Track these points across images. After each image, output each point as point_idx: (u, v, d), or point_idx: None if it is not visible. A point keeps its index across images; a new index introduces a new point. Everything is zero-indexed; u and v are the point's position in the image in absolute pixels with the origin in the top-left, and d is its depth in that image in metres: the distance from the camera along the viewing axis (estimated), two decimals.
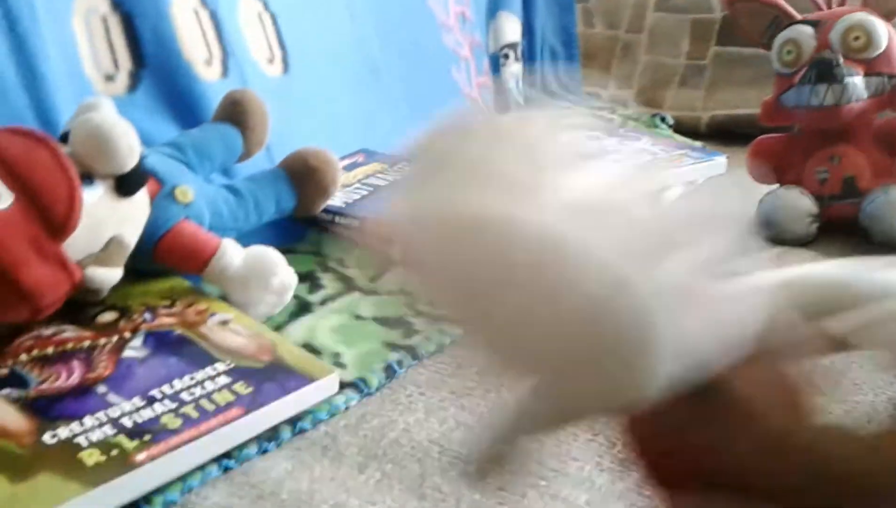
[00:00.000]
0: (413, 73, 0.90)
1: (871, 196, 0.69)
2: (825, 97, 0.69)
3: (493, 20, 1.05)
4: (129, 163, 0.44)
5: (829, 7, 0.74)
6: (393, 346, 0.49)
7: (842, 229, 0.71)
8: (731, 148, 0.95)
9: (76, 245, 0.42)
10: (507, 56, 1.04)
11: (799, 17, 0.74)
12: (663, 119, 0.96)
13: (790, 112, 0.73)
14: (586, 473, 0.39)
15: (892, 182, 0.70)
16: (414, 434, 0.42)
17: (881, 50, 0.70)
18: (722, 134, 0.98)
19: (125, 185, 0.44)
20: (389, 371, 0.47)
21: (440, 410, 0.44)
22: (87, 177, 0.43)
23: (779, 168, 0.74)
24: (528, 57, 1.09)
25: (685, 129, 0.97)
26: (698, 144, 0.89)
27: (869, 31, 0.70)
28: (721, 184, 0.81)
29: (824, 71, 0.68)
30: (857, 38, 0.70)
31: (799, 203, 0.71)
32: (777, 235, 0.70)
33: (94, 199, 0.43)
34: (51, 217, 0.40)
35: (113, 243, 0.44)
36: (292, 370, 0.43)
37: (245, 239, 0.54)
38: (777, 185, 0.73)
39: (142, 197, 0.47)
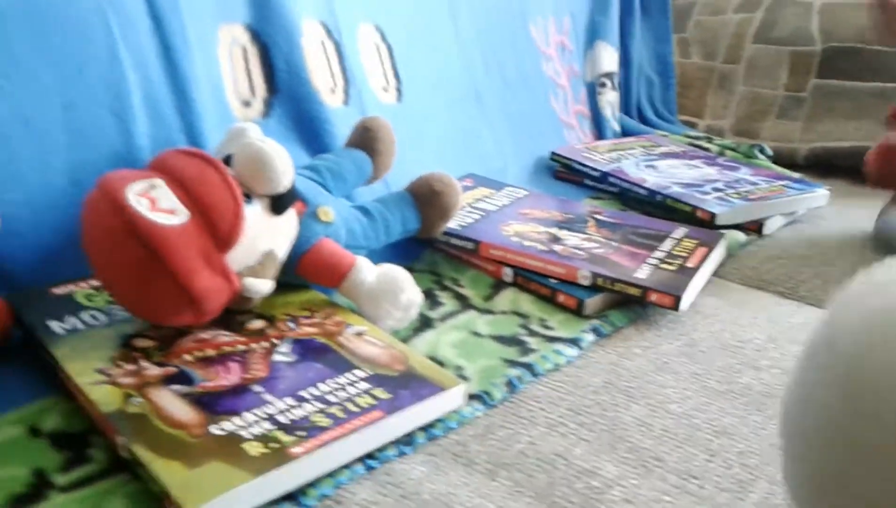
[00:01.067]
0: (514, 99, 0.94)
1: None
2: None
3: (590, 50, 1.08)
4: (284, 184, 0.48)
5: None
6: (511, 362, 0.52)
7: None
8: (828, 180, 0.95)
9: (236, 258, 0.46)
10: (603, 85, 1.07)
11: None
12: (762, 150, 0.97)
13: None
14: None
15: None
16: (539, 447, 0.45)
17: None
18: (820, 166, 0.98)
19: (279, 204, 0.49)
20: (510, 386, 0.50)
21: (560, 425, 0.47)
22: (247, 196, 0.47)
23: None
24: (625, 86, 1.12)
25: (782, 160, 0.98)
26: (797, 175, 0.90)
27: None
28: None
29: None
30: None
31: None
32: (893, 249, 0.70)
33: (253, 216, 0.47)
34: (218, 232, 0.44)
35: (267, 256, 0.48)
36: (425, 380, 0.46)
37: (370, 257, 0.58)
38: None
39: (291, 215, 0.51)
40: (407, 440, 0.44)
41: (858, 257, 0.74)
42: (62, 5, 0.55)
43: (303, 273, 0.53)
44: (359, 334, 0.50)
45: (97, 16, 0.56)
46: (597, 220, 0.72)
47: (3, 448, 0.41)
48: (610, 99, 1.07)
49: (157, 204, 0.44)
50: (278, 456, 0.39)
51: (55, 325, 0.49)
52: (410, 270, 0.64)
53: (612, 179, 0.87)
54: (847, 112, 0.99)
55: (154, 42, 0.60)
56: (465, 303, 0.60)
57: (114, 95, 0.57)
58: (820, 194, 0.83)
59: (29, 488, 0.39)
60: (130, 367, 0.45)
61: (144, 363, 0.45)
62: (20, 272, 0.53)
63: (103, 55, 0.57)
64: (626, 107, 1.12)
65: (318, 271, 0.53)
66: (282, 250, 0.50)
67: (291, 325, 0.51)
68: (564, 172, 0.92)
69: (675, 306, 0.58)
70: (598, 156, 0.93)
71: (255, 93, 0.69)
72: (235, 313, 0.51)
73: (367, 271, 0.53)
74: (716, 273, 0.69)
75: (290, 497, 0.39)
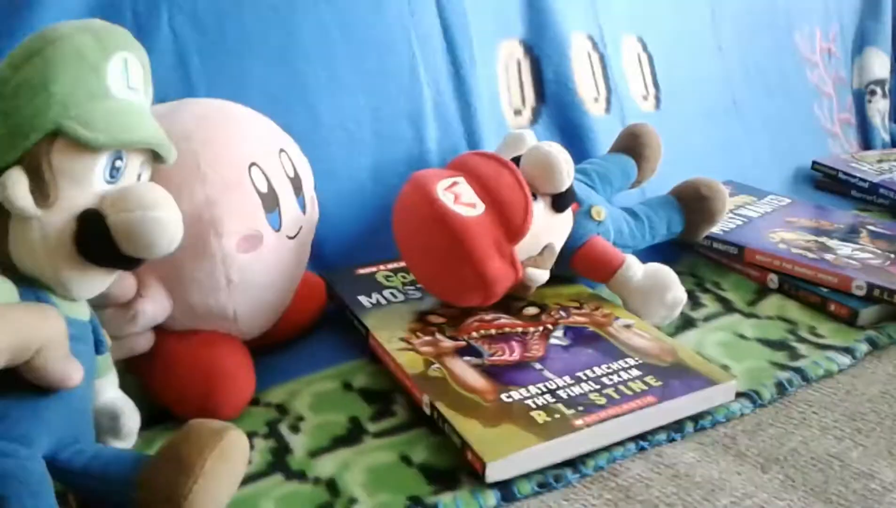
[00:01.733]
0: (774, 107, 0.92)
1: None
2: None
3: (859, 56, 1.02)
4: (566, 184, 0.52)
5: None
6: (780, 366, 0.52)
7: None
8: None
9: (522, 249, 0.51)
10: (873, 92, 1.01)
11: None
12: None
13: None
14: None
15: None
16: (812, 447, 0.45)
17: None
18: None
19: (560, 202, 0.53)
20: (780, 388, 0.50)
21: (835, 429, 0.46)
22: (533, 195, 0.52)
23: None
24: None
25: None
26: None
27: None
28: None
29: None
30: None
31: None
32: None
33: (538, 212, 0.52)
34: (511, 225, 0.50)
35: (547, 249, 0.53)
36: (695, 372, 0.48)
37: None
38: None
39: (568, 213, 0.55)
40: (677, 428, 0.46)
41: None
42: (372, 24, 0.64)
43: (576, 267, 0.57)
44: (627, 326, 0.53)
45: (401, 33, 0.65)
46: (870, 231, 0.69)
47: (324, 398, 0.50)
48: (880, 107, 1.00)
49: (459, 198, 0.50)
50: (562, 426, 0.43)
51: (363, 299, 0.57)
52: (679, 273, 0.66)
53: (882, 190, 0.82)
54: None
55: (445, 58, 0.67)
56: (728, 306, 0.61)
57: (412, 105, 0.65)
58: None
59: (347, 432, 0.46)
60: (427, 338, 0.52)
61: (439, 336, 0.52)
62: (331, 254, 0.62)
63: (405, 68, 0.65)
64: None
65: (590, 265, 0.56)
66: (559, 244, 0.54)
67: (563, 314, 0.55)
68: (827, 183, 0.88)
69: None
70: (867, 166, 0.88)
71: (526, 102, 0.75)
72: (513, 300, 0.57)
73: (636, 268, 0.56)
74: None
75: (571, 463, 0.43)
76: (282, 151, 0.49)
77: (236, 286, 0.46)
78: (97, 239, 0.34)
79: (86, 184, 0.34)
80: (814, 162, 0.90)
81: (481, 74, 0.70)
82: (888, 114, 1.02)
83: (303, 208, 0.50)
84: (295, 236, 0.49)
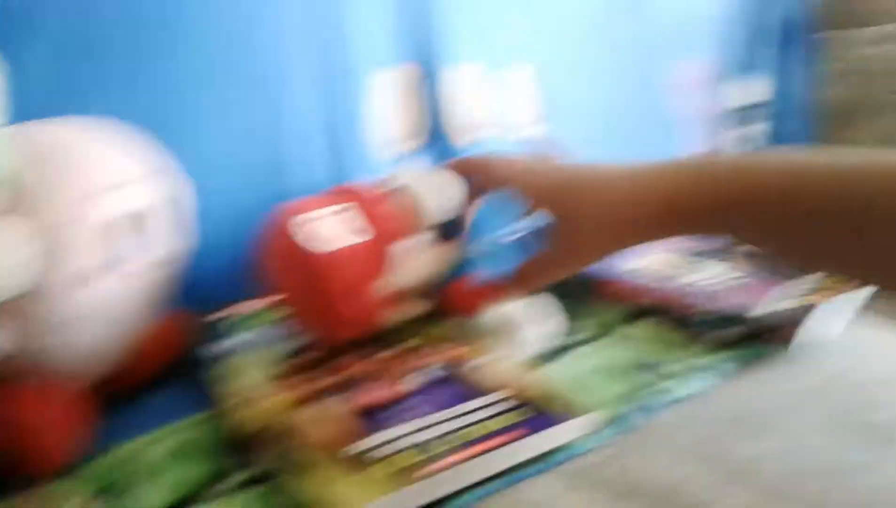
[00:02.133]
0: (650, 137, 0.94)
1: None
2: None
3: (737, 83, 1.06)
4: (449, 216, 0.52)
5: None
6: (645, 390, 0.53)
7: None
8: None
9: (395, 281, 0.51)
10: (751, 118, 1.05)
11: None
12: None
13: None
14: None
15: None
16: (674, 472, 0.45)
17: None
18: None
19: (446, 233, 0.53)
20: (643, 413, 0.50)
21: (695, 452, 0.47)
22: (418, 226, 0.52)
23: None
24: (775, 118, 1.09)
25: None
26: None
27: None
28: None
29: None
30: None
31: None
32: None
33: (418, 245, 0.51)
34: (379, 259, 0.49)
35: (422, 281, 0.53)
36: (554, 406, 0.48)
37: None
38: None
39: (450, 245, 0.55)
40: (537, 463, 0.46)
41: None
42: (240, 54, 0.62)
43: (449, 300, 0.56)
44: (492, 361, 0.53)
45: (273, 64, 0.63)
46: (737, 252, 0.72)
47: (168, 454, 0.47)
48: (748, 132, 1.05)
49: (323, 229, 0.48)
50: (419, 471, 0.42)
51: (222, 343, 0.55)
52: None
53: None
54: None
55: (320, 88, 0.67)
56: (601, 330, 0.61)
57: (284, 136, 0.64)
58: None
59: (192, 489, 0.44)
60: (286, 383, 0.50)
61: (299, 380, 0.50)
62: (200, 293, 0.59)
63: (277, 98, 0.64)
64: (777, 140, 1.09)
65: (464, 299, 0.56)
66: (435, 277, 0.54)
67: (430, 352, 0.54)
68: None
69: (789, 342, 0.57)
70: None
71: (411, 132, 0.74)
72: (380, 337, 0.55)
73: (508, 303, 0.55)
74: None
75: (435, 505, 0.42)
76: (129, 183, 0.47)
77: (65, 327, 0.43)
78: None
79: None
80: None
81: (359, 104, 0.69)
82: (761, 138, 1.06)
83: (150, 243, 0.47)
84: (139, 274, 0.47)
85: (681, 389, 0.53)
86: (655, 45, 0.95)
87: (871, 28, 1.11)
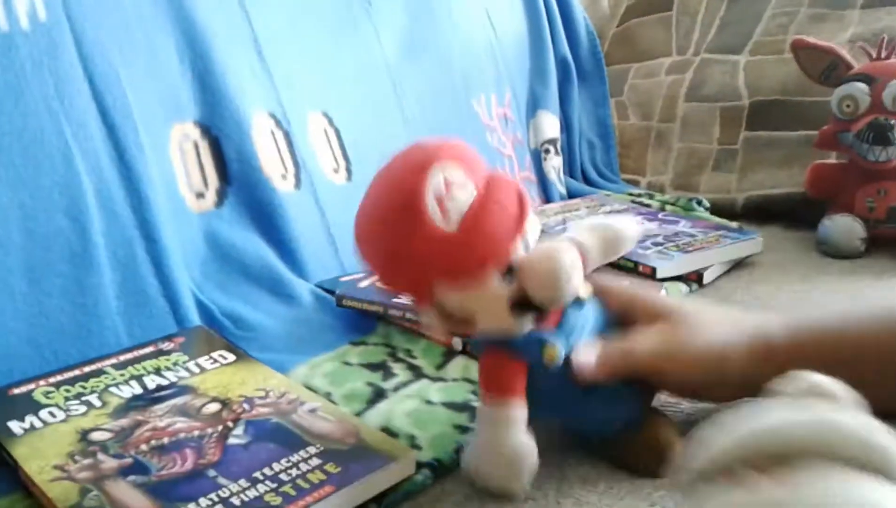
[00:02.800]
0: None
1: None
2: (879, 155, 0.88)
3: (533, 118, 1.13)
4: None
5: (880, 56, 0.91)
6: (463, 428, 0.54)
7: (886, 246, 0.90)
8: (767, 226, 1.00)
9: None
10: (547, 151, 1.12)
11: (854, 63, 0.92)
12: (699, 202, 1.02)
13: (845, 147, 0.91)
14: None
15: None
16: None
17: None
18: (757, 213, 1.03)
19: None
20: (460, 452, 0.52)
21: None
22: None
23: (833, 192, 0.93)
24: (568, 150, 1.17)
25: (722, 210, 1.02)
26: (734, 224, 0.94)
27: None
28: None
29: (880, 134, 0.87)
30: None
31: (851, 227, 0.90)
32: (834, 252, 0.90)
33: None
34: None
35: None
36: (375, 451, 0.48)
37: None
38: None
39: None
40: None
41: (795, 300, 0.77)
42: (11, 111, 0.58)
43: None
44: (312, 410, 0.52)
45: (49, 121, 0.60)
46: None
47: None
48: (554, 164, 1.11)
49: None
50: None
51: (14, 425, 0.50)
52: (364, 343, 0.67)
53: None
54: (777, 161, 1.04)
55: (107, 146, 0.63)
56: (417, 373, 0.62)
57: (69, 199, 0.60)
58: (755, 242, 0.88)
59: None
60: (87, 461, 0.47)
61: (101, 457, 0.47)
62: None
63: (57, 158, 0.60)
64: (570, 170, 1.17)
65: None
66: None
67: (246, 406, 0.53)
68: None
69: None
70: (546, 219, 0.97)
71: (209, 184, 0.72)
72: (193, 401, 0.53)
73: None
74: None
75: None
76: None
77: None
78: None
79: None
80: None
81: (152, 160, 0.66)
82: (562, 169, 1.14)
83: None
84: None
85: None
86: (452, 85, 1.00)
87: (647, 62, 1.23)
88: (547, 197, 1.09)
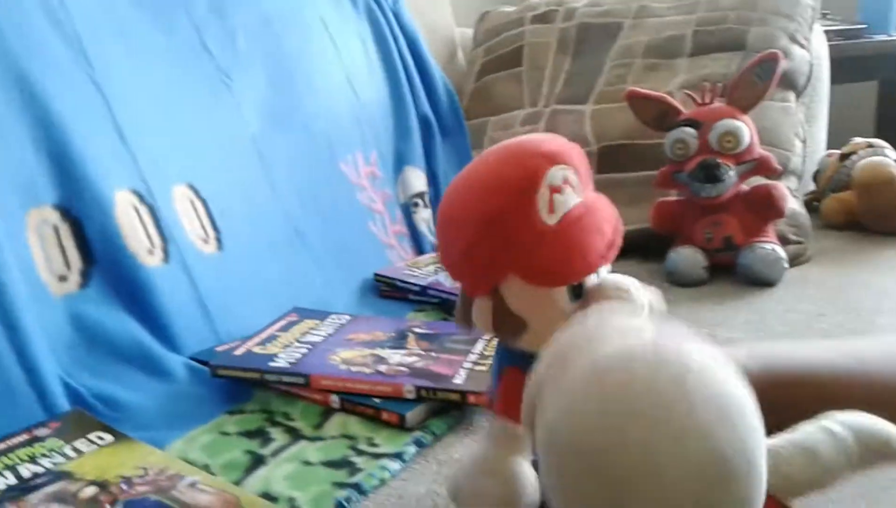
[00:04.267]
0: (334, 231, 1.01)
1: (744, 250, 0.98)
2: (711, 191, 0.96)
3: (400, 174, 1.17)
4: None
5: (704, 102, 1.01)
6: (341, 485, 0.56)
7: (724, 272, 0.99)
8: (622, 261, 1.07)
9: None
10: (416, 204, 1.16)
11: (682, 109, 1.02)
12: None
13: (681, 185, 1.01)
14: None
15: (758, 239, 0.98)
16: None
17: (745, 145, 0.97)
18: None
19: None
20: (348, 503, 0.54)
21: None
22: None
23: (675, 226, 1.03)
24: (436, 202, 1.22)
25: None
26: None
27: (738, 135, 0.97)
28: None
29: (710, 174, 0.96)
30: (729, 141, 0.97)
31: (694, 258, 1.00)
32: (681, 280, 0.99)
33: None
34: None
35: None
36: None
37: None
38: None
39: None
40: None
41: None
42: None
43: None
44: (192, 484, 0.53)
45: None
46: (416, 333, 0.79)
47: None
48: (424, 216, 1.16)
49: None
50: None
51: None
52: (241, 411, 0.68)
53: (431, 292, 0.94)
54: (627, 200, 1.12)
55: None
56: (295, 435, 0.64)
57: None
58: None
59: None
60: None
61: None
62: None
63: None
64: None
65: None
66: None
67: (125, 487, 0.53)
68: (389, 291, 0.99)
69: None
70: (419, 271, 1.00)
71: (71, 266, 0.72)
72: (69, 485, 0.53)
73: None
74: None
75: None
76: None
77: None
78: None
79: None
80: (375, 274, 1.00)
81: (7, 246, 0.65)
82: (432, 221, 1.18)
83: None
84: None
85: (377, 475, 0.57)
86: (318, 149, 1.03)
87: (503, 115, 1.30)
88: (419, 249, 1.13)
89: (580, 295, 0.44)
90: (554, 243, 0.43)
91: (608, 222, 0.46)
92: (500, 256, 0.43)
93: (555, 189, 0.43)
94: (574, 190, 0.44)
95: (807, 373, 0.51)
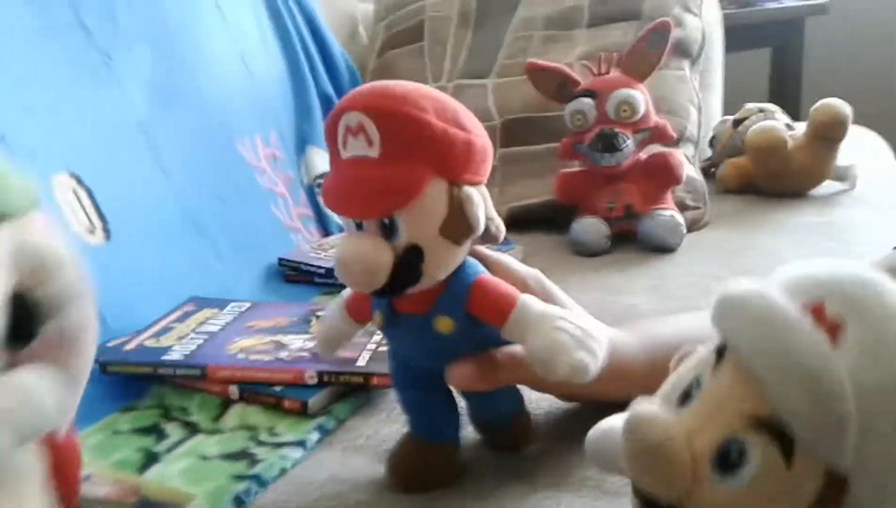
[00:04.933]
0: (233, 216, 0.97)
1: (644, 218, 1.00)
2: (609, 161, 0.98)
3: (303, 155, 1.14)
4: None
5: (600, 72, 1.02)
6: (240, 477, 0.54)
7: (626, 240, 1.01)
8: (530, 233, 1.08)
9: None
10: (320, 185, 1.14)
11: (580, 80, 1.02)
12: None
13: (582, 156, 1.02)
14: None
15: (657, 206, 1.00)
16: None
17: (641, 114, 0.98)
18: (520, 223, 1.11)
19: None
20: (238, 502, 0.52)
21: None
22: None
23: (578, 197, 1.04)
24: None
25: None
26: None
27: (633, 104, 0.98)
28: None
29: (608, 143, 0.97)
30: (625, 111, 0.98)
31: (597, 227, 1.01)
32: (585, 250, 1.01)
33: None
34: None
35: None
36: (160, 503, 0.47)
37: None
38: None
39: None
40: None
41: None
42: None
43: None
44: (86, 478, 0.50)
45: None
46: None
47: None
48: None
49: None
50: None
51: None
52: (134, 408, 0.65)
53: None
54: (532, 172, 1.14)
55: None
56: (192, 429, 0.61)
57: None
58: (515, 250, 0.95)
59: None
60: None
61: None
62: None
63: None
64: None
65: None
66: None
67: None
68: (294, 275, 0.97)
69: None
70: (324, 253, 0.98)
71: None
72: None
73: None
74: None
75: None
76: None
77: None
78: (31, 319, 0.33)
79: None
80: (280, 259, 0.97)
81: None
82: None
83: None
84: None
85: (277, 465, 0.56)
86: (211, 130, 0.99)
87: None
88: (326, 230, 1.11)
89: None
90: (336, 174, 0.47)
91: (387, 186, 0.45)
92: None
93: (349, 130, 0.46)
94: (369, 145, 0.45)
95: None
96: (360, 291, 0.50)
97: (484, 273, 0.49)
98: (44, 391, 0.32)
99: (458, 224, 0.46)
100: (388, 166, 0.45)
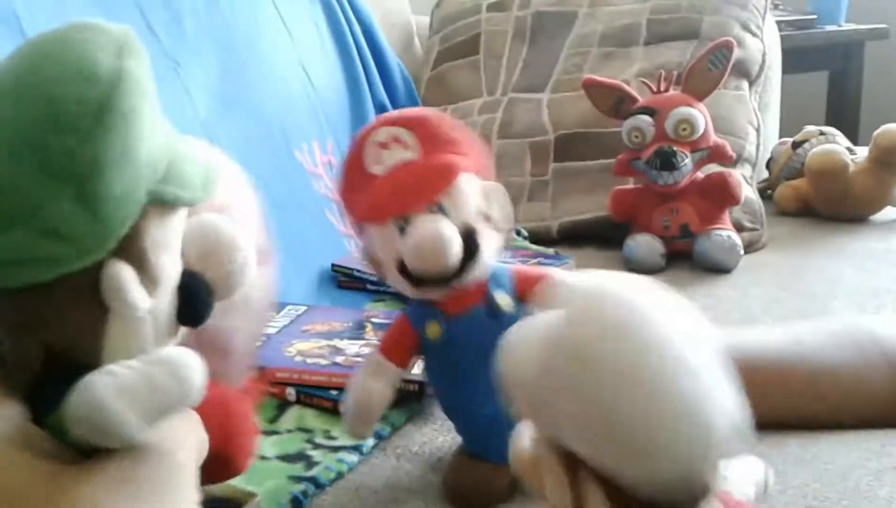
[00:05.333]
0: (289, 221, 0.99)
1: (700, 238, 0.98)
2: (667, 179, 0.96)
3: None
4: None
5: (659, 90, 1.00)
6: (297, 479, 0.55)
7: (681, 259, 1.00)
8: (581, 249, 1.08)
9: None
10: None
11: (638, 97, 1.01)
12: (519, 232, 1.08)
13: (638, 173, 1.01)
14: None
15: (714, 226, 0.99)
16: None
17: (700, 133, 0.97)
18: (571, 238, 1.10)
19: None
20: (296, 503, 0.52)
21: None
22: None
23: (633, 214, 1.03)
24: None
25: (540, 238, 1.09)
26: (551, 250, 1.01)
27: (693, 123, 0.97)
28: None
29: (666, 161, 0.96)
30: (685, 129, 0.97)
31: (651, 245, 0.99)
32: (639, 268, 0.97)
33: None
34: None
35: None
36: (222, 500, 0.48)
37: None
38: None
39: None
40: None
41: None
42: None
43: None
44: None
45: None
46: (373, 324, 0.78)
47: None
48: None
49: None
50: None
51: None
52: None
53: None
54: (585, 188, 1.13)
55: None
56: None
57: None
58: (568, 265, 0.94)
59: None
60: None
61: None
62: None
63: None
64: None
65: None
66: None
67: None
68: (347, 281, 0.97)
69: None
70: None
71: None
72: None
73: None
74: None
75: None
76: None
77: None
78: (201, 302, 0.34)
79: (174, 247, 0.33)
80: (333, 264, 0.98)
81: None
82: None
83: None
84: None
85: (334, 468, 0.56)
86: (271, 137, 1.01)
87: (460, 103, 1.29)
88: None
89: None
90: (374, 187, 0.51)
91: (434, 171, 0.51)
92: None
93: (382, 145, 0.51)
94: (406, 148, 0.51)
95: (754, 358, 0.53)
96: (436, 271, 0.50)
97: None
98: (195, 368, 0.32)
99: (492, 212, 0.51)
100: (428, 158, 0.50)
